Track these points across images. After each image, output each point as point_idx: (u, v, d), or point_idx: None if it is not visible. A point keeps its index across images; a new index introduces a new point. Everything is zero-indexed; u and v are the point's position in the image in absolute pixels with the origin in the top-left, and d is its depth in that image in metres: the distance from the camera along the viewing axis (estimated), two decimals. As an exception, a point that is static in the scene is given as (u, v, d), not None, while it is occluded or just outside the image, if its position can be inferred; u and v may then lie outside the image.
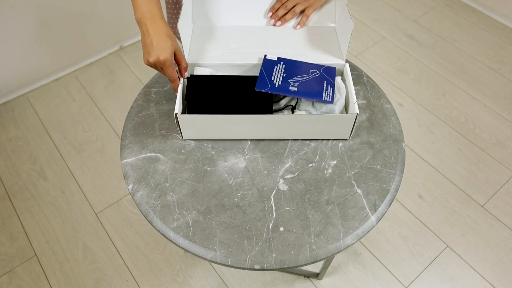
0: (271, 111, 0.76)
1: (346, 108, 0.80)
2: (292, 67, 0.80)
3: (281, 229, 0.69)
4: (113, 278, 1.26)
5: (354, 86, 0.89)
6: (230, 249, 0.66)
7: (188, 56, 0.82)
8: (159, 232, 0.69)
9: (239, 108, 0.75)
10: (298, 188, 0.73)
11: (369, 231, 0.69)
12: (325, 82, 0.78)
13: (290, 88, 0.76)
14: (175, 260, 1.29)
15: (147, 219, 0.71)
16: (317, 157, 0.77)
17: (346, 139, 0.80)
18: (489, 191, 1.43)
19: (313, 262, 0.66)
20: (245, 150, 0.78)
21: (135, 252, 1.30)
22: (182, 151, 0.78)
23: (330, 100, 0.75)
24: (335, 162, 0.77)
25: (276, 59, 0.81)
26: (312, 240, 0.67)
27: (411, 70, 1.81)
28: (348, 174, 0.75)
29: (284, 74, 0.78)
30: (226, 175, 0.75)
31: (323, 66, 0.81)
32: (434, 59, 1.85)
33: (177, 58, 0.74)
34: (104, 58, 1.86)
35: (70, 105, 1.69)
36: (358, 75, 0.91)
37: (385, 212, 0.71)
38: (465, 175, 1.47)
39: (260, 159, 0.77)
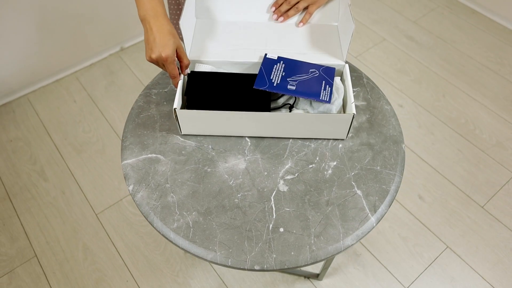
0: (269, 109, 0.77)
1: (344, 108, 0.81)
2: (292, 66, 0.81)
3: (281, 230, 0.69)
4: (113, 279, 1.26)
5: (354, 87, 0.89)
6: (230, 250, 0.67)
7: (190, 53, 0.83)
8: (160, 233, 0.70)
9: (238, 105, 0.76)
10: (298, 189, 0.73)
11: (369, 232, 0.69)
12: (323, 82, 0.78)
13: (289, 87, 0.77)
14: (175, 261, 1.29)
15: (147, 220, 0.71)
16: (317, 158, 0.77)
17: (343, 139, 0.80)
18: (489, 192, 1.43)
19: (313, 263, 0.67)
20: (245, 151, 0.78)
21: (135, 253, 1.30)
22: (183, 152, 0.78)
23: (327, 100, 0.76)
24: (335, 163, 0.77)
25: (276, 58, 0.82)
26: (312, 241, 0.67)
27: (411, 71, 1.81)
28: (348, 175, 0.75)
29: (283, 73, 0.79)
30: (226, 176, 0.75)
31: (323, 66, 0.81)
32: (434, 60, 1.86)
33: (179, 55, 0.75)
34: (104, 59, 1.86)
35: (70, 106, 1.69)
36: (358, 77, 0.91)
37: (385, 213, 0.72)
38: (465, 176, 1.47)
39: (260, 160, 0.77)
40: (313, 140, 0.80)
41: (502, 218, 1.37)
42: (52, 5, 1.56)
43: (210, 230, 0.69)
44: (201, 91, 0.78)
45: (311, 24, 0.90)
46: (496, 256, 1.29)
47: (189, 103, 0.78)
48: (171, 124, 0.82)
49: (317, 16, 0.89)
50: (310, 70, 0.80)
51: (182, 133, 0.81)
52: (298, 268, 1.24)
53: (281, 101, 0.82)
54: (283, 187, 0.74)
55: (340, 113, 0.80)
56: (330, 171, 0.76)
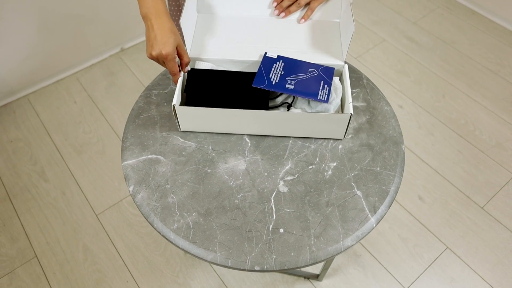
0: (267, 107, 0.77)
1: (342, 108, 0.81)
2: (291, 65, 0.81)
3: (281, 230, 0.69)
4: (113, 279, 1.26)
5: (354, 88, 0.89)
6: (230, 251, 0.67)
7: (190, 50, 0.84)
8: (160, 233, 0.70)
9: (236, 103, 0.77)
10: (298, 190, 0.74)
11: (368, 232, 0.70)
12: (322, 81, 0.79)
13: (287, 86, 0.78)
14: (175, 262, 1.29)
15: (147, 220, 0.71)
16: (317, 159, 0.78)
17: (342, 140, 0.80)
18: (489, 193, 1.43)
19: (313, 264, 0.67)
20: (246, 152, 0.79)
21: (136, 253, 1.31)
22: (183, 153, 0.78)
23: (325, 99, 0.76)
24: (335, 164, 0.77)
25: (276, 57, 0.82)
26: (312, 242, 0.68)
27: (411, 72, 1.82)
28: (348, 176, 0.75)
29: (283, 72, 0.80)
30: (226, 177, 0.75)
31: (322, 66, 0.82)
32: (434, 61, 1.86)
33: (179, 53, 0.76)
34: (105, 60, 1.86)
35: (71, 107, 1.69)
36: (358, 78, 0.92)
37: (385, 214, 0.72)
38: (465, 177, 1.47)
39: (260, 161, 0.77)
40: (313, 141, 0.80)
41: (502, 219, 1.37)
42: (53, 6, 1.56)
43: (210, 231, 0.69)
44: (200, 89, 0.79)
45: (312, 21, 0.89)
46: (496, 257, 1.29)
47: (188, 100, 0.79)
48: (172, 125, 0.83)
49: (319, 12, 0.89)
50: (309, 69, 0.81)
51: (181, 130, 0.81)
52: (298, 269, 1.24)
53: (280, 100, 0.83)
54: (283, 188, 0.74)
55: (338, 113, 0.80)
56: (330, 172, 0.76)
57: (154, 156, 0.78)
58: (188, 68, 0.80)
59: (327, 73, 0.80)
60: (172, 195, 0.73)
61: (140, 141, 0.80)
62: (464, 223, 1.37)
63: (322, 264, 1.22)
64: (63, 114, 1.67)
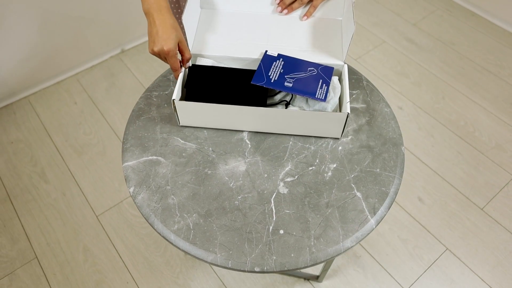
0: (265, 105, 0.78)
1: (340, 107, 0.81)
2: (291, 64, 0.82)
3: (281, 232, 0.69)
4: (114, 281, 1.26)
5: (354, 90, 0.90)
6: (231, 252, 0.67)
7: (192, 46, 0.85)
8: (160, 234, 0.70)
9: (235, 99, 0.78)
10: (298, 191, 0.74)
11: (368, 234, 0.70)
12: (320, 80, 0.79)
13: (285, 83, 0.78)
14: (176, 263, 1.29)
15: (148, 221, 0.71)
16: (317, 161, 0.78)
17: (342, 141, 0.80)
18: (488, 194, 1.43)
19: (313, 265, 0.67)
20: (246, 153, 0.79)
21: (136, 255, 1.31)
22: (183, 154, 0.79)
23: (323, 98, 0.77)
24: (334, 165, 0.77)
25: (276, 55, 0.83)
26: (312, 243, 0.68)
27: (411, 73, 1.82)
28: (347, 178, 0.76)
29: (282, 70, 0.80)
30: (226, 178, 0.75)
31: (321, 65, 0.82)
32: (434, 62, 1.86)
33: (181, 49, 0.76)
34: (105, 61, 1.87)
35: (71, 108, 1.70)
36: (358, 79, 0.92)
37: (385, 215, 0.72)
38: (464, 178, 1.47)
39: (260, 162, 0.78)
40: (313, 142, 0.81)
41: (501, 220, 1.37)
42: (53, 7, 1.57)
43: (210, 232, 0.69)
44: (200, 84, 0.80)
45: (315, 18, 0.90)
46: (495, 258, 1.29)
47: (188, 95, 0.80)
48: (172, 127, 0.83)
49: (322, 10, 0.89)
50: (309, 68, 0.81)
51: (180, 124, 0.82)
52: (298, 270, 1.24)
53: (278, 97, 0.83)
54: (283, 189, 0.74)
55: (335, 112, 0.81)
56: (330, 173, 0.76)
57: (155, 157, 0.78)
58: (189, 64, 0.81)
59: (326, 73, 0.81)
60: (172, 196, 0.73)
61: (141, 142, 0.81)
62: (463, 224, 1.37)
63: (322, 265, 1.23)
64: (64, 115, 1.67)
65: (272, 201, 0.73)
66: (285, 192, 0.74)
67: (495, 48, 1.92)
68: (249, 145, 0.80)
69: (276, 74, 0.80)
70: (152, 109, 0.86)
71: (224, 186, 0.74)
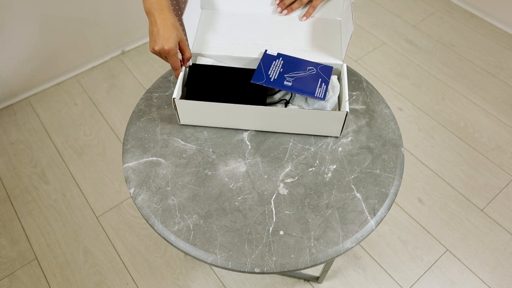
0: (264, 103, 0.79)
1: (339, 106, 0.82)
2: (290, 63, 0.82)
3: (281, 232, 0.69)
4: (114, 282, 1.26)
5: (354, 91, 0.90)
6: (231, 253, 0.67)
7: (192, 46, 0.85)
8: (160, 235, 0.70)
9: (235, 98, 0.78)
10: (298, 192, 0.74)
11: (368, 235, 0.70)
12: (320, 79, 0.80)
13: (285, 82, 0.79)
14: (176, 264, 1.29)
15: (148, 222, 0.71)
16: (317, 162, 0.78)
17: (341, 140, 0.81)
18: (488, 195, 1.43)
19: (313, 266, 0.67)
20: (246, 154, 0.79)
21: (136, 256, 1.31)
22: (183, 155, 0.79)
23: (322, 97, 0.77)
24: (334, 166, 0.77)
25: (275, 55, 0.83)
26: (312, 244, 0.68)
27: (410, 75, 1.82)
28: (347, 179, 0.76)
29: (281, 69, 0.81)
30: (226, 179, 0.76)
31: (321, 64, 0.82)
32: (433, 64, 1.86)
33: (181, 48, 0.77)
34: (106, 62, 1.87)
35: (71, 109, 1.70)
36: (358, 81, 0.92)
37: (384, 216, 0.72)
38: (464, 179, 1.47)
39: (260, 163, 0.78)
40: (313, 143, 0.81)
41: (501, 221, 1.37)
42: (54, 8, 1.57)
43: (210, 233, 0.69)
44: (200, 83, 0.80)
45: (314, 18, 0.90)
46: (495, 259, 1.29)
47: (188, 94, 0.80)
48: (172, 128, 0.83)
49: (321, 10, 0.90)
50: (308, 67, 0.82)
51: (181, 123, 0.82)
52: (298, 271, 1.24)
53: (278, 96, 0.84)
54: (283, 190, 0.74)
55: (334, 110, 0.81)
56: (329, 175, 0.76)
57: (155, 158, 0.78)
58: (190, 63, 0.81)
59: (325, 72, 0.81)
60: (172, 197, 0.73)
61: (141, 143, 0.81)
62: (463, 225, 1.37)
63: (322, 266, 1.23)
64: (64, 116, 1.67)
65: (272, 202, 0.73)
66: (285, 193, 0.74)
67: (495, 50, 1.92)
68: (249, 146, 0.80)
69: (276, 73, 0.80)
70: (152, 110, 0.86)
71: (224, 187, 0.75)
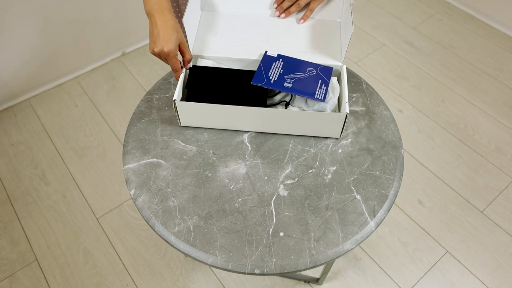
0: (264, 105, 0.79)
1: (339, 108, 0.82)
2: (290, 64, 0.82)
3: (281, 234, 0.69)
4: (114, 283, 1.26)
5: (354, 93, 0.90)
6: (231, 254, 0.67)
7: (193, 48, 0.86)
8: (161, 236, 0.70)
9: (235, 100, 0.79)
10: (298, 193, 0.74)
11: (368, 236, 0.70)
12: (320, 81, 0.80)
13: (285, 84, 0.79)
14: (176, 265, 1.29)
15: (148, 224, 0.72)
16: (317, 163, 0.78)
17: (341, 141, 0.81)
18: (488, 197, 1.43)
19: (313, 267, 0.67)
20: (246, 156, 0.79)
21: (136, 257, 1.31)
22: (184, 157, 0.79)
23: (322, 98, 0.78)
24: (334, 168, 0.78)
25: (275, 56, 0.83)
26: (312, 245, 0.68)
27: (410, 76, 1.83)
28: (347, 180, 0.76)
29: (281, 70, 0.81)
30: (227, 180, 0.76)
31: (321, 65, 0.83)
32: (433, 66, 1.87)
33: (182, 50, 0.77)
34: (106, 64, 1.87)
35: (72, 111, 1.70)
36: (358, 82, 0.92)
37: (384, 217, 0.72)
38: (464, 181, 1.48)
39: (260, 165, 0.78)
40: (313, 145, 0.81)
41: (501, 223, 1.37)
42: (54, 10, 1.58)
43: (210, 234, 0.69)
44: (201, 85, 0.81)
45: (314, 20, 0.91)
46: (495, 261, 1.29)
47: (189, 96, 0.81)
48: (173, 129, 0.83)
49: (321, 11, 0.90)
50: (308, 68, 0.82)
51: (181, 125, 0.83)
52: (298, 272, 1.24)
53: (278, 98, 0.84)
54: (283, 191, 0.74)
55: (334, 112, 0.81)
56: (329, 176, 0.76)
57: (155, 160, 0.79)
58: (190, 64, 0.82)
59: (325, 73, 0.82)
60: (173, 198, 0.73)
61: (141, 145, 0.81)
62: (463, 227, 1.37)
63: (322, 267, 1.23)
64: (64, 118, 1.68)
65: (272, 204, 0.73)
66: (285, 194, 0.74)
67: (495, 52, 1.92)
68: (250, 148, 0.80)
69: (276, 74, 0.80)
70: (153, 112, 0.86)
71: (224, 189, 0.75)
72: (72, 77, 1.82)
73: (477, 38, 1.99)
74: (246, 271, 0.66)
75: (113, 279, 1.27)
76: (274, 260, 0.66)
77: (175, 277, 1.27)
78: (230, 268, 0.66)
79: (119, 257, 1.31)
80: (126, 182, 0.76)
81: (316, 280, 1.24)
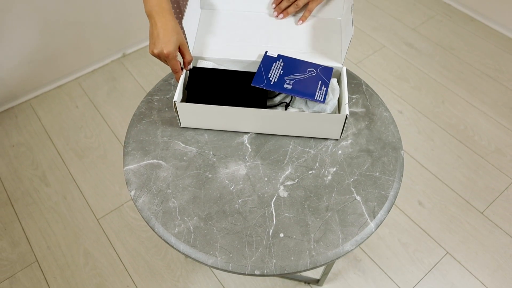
0: (264, 106, 0.79)
1: (339, 109, 0.82)
2: (290, 65, 0.83)
3: (281, 235, 0.70)
4: (114, 284, 1.26)
5: (354, 94, 0.90)
6: (231, 255, 0.67)
7: (193, 49, 0.86)
8: (161, 237, 0.70)
9: (235, 101, 0.79)
10: (298, 194, 0.74)
11: (368, 237, 0.70)
12: (320, 82, 0.80)
13: (285, 85, 0.79)
14: (176, 266, 1.29)
15: (149, 225, 0.72)
16: (317, 164, 0.78)
17: (340, 142, 0.81)
18: (488, 198, 1.43)
19: (313, 268, 0.67)
20: (246, 157, 0.79)
21: (136, 258, 1.31)
22: (184, 158, 0.79)
23: (322, 100, 0.78)
24: (334, 169, 0.78)
25: (276, 56, 0.84)
26: (312, 246, 0.68)
27: (410, 78, 1.83)
28: (347, 181, 0.76)
29: (282, 71, 0.81)
30: (227, 181, 0.76)
31: (321, 66, 0.83)
32: (433, 67, 1.87)
33: (182, 52, 0.77)
34: (107, 65, 1.88)
35: (72, 112, 1.70)
36: (358, 84, 0.93)
37: (384, 218, 0.72)
38: (464, 182, 1.48)
39: (260, 166, 0.78)
40: (313, 146, 0.81)
41: (501, 224, 1.38)
42: (55, 11, 1.58)
43: (211, 235, 0.69)
44: (201, 86, 0.81)
45: (314, 18, 0.90)
46: (495, 262, 1.29)
47: (189, 97, 0.81)
48: (173, 130, 0.83)
49: (322, 9, 0.90)
50: (308, 69, 0.82)
51: (181, 126, 0.83)
52: (298, 273, 1.24)
53: (278, 99, 0.84)
54: (283, 192, 0.75)
55: (334, 113, 0.81)
56: (329, 177, 0.77)
57: (156, 161, 0.79)
58: (190, 66, 0.82)
59: (325, 73, 0.82)
60: (173, 199, 0.74)
61: (142, 146, 0.81)
62: (464, 228, 1.37)
63: (322, 268, 1.23)
64: (65, 119, 1.68)
65: (272, 205, 0.73)
66: (285, 195, 0.74)
67: (494, 53, 1.93)
68: (250, 149, 0.80)
69: (276, 75, 0.81)
70: (153, 113, 0.87)
71: (224, 190, 0.75)
72: (72, 78, 1.82)
73: (477, 40, 1.99)
74: (246, 272, 0.66)
75: (113, 280, 1.27)
76: (274, 261, 0.67)
77: (175, 278, 1.27)
78: (230, 269, 0.66)
79: (120, 258, 1.31)
80: (126, 183, 0.76)
81: (317, 281, 1.24)
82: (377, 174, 0.77)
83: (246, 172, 0.77)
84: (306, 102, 0.82)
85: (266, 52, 0.84)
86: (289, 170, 0.77)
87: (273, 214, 0.72)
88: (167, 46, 0.72)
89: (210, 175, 0.77)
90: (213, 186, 0.75)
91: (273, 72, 0.81)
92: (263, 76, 0.80)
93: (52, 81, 1.77)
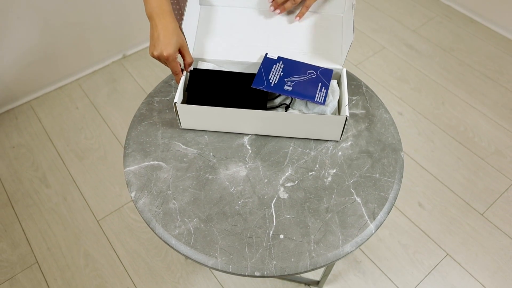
0: (265, 108, 0.79)
1: (339, 110, 0.82)
2: (291, 66, 0.83)
3: (281, 236, 0.70)
4: (114, 285, 1.26)
5: (354, 96, 0.90)
6: (231, 256, 0.67)
7: (193, 51, 0.86)
8: (161, 239, 0.70)
9: (235, 103, 0.79)
10: (298, 196, 0.74)
11: (368, 238, 0.70)
12: (320, 83, 0.80)
13: (285, 87, 0.79)
14: (176, 268, 1.29)
15: (149, 226, 0.72)
16: (317, 166, 0.78)
17: (341, 144, 0.81)
18: (488, 200, 1.43)
19: (313, 269, 0.67)
20: (246, 158, 0.79)
21: (136, 259, 1.31)
22: (184, 159, 0.79)
23: (322, 101, 0.78)
24: (334, 170, 0.78)
25: (276, 58, 0.84)
26: (312, 248, 0.68)
27: (410, 79, 1.83)
28: (347, 183, 0.76)
29: (282, 73, 0.81)
30: (227, 183, 0.76)
31: (321, 67, 0.83)
32: (433, 68, 1.87)
33: (182, 53, 0.77)
34: (107, 66, 1.88)
35: (73, 113, 1.71)
36: (358, 85, 0.93)
37: (384, 220, 0.72)
38: (464, 184, 1.48)
39: (261, 167, 0.78)
40: (313, 147, 0.81)
41: (501, 225, 1.38)
42: (55, 12, 1.58)
43: (211, 237, 0.69)
44: (201, 88, 0.81)
45: (316, 15, 0.89)
46: (496, 263, 1.29)
47: (189, 99, 0.81)
48: (173, 132, 0.84)
49: (324, 6, 0.88)
50: (308, 71, 0.82)
51: (182, 127, 0.83)
52: (298, 275, 1.24)
53: (278, 101, 0.85)
54: (283, 194, 0.75)
55: (334, 115, 0.81)
56: (329, 179, 0.77)
57: (156, 162, 0.79)
58: (191, 68, 0.82)
59: (325, 75, 0.82)
60: (173, 201, 0.74)
61: (142, 147, 0.81)
62: (464, 229, 1.37)
63: (322, 270, 1.23)
64: (65, 120, 1.68)
65: (272, 206, 0.73)
66: (285, 197, 0.74)
67: (494, 55, 1.93)
68: (250, 150, 0.81)
69: (276, 77, 0.81)
70: (153, 115, 0.87)
71: (224, 191, 0.75)
72: (73, 79, 1.82)
73: (477, 41, 1.99)
74: (246, 273, 0.66)
75: (113, 282, 1.27)
76: (274, 262, 0.67)
77: (175, 280, 1.27)
78: (230, 270, 0.66)
79: (120, 260, 1.31)
80: (126, 184, 0.77)
81: (317, 283, 1.24)
82: (377, 175, 0.77)
83: (246, 174, 0.77)
84: (306, 104, 0.82)
85: (266, 54, 0.84)
86: (289, 172, 0.78)
87: (273, 216, 0.72)
88: (167, 48, 0.72)
89: (210, 177, 0.77)
90: (213, 188, 0.75)
91: (273, 74, 0.81)
92: (263, 78, 0.80)
93: (52, 82, 1.78)
